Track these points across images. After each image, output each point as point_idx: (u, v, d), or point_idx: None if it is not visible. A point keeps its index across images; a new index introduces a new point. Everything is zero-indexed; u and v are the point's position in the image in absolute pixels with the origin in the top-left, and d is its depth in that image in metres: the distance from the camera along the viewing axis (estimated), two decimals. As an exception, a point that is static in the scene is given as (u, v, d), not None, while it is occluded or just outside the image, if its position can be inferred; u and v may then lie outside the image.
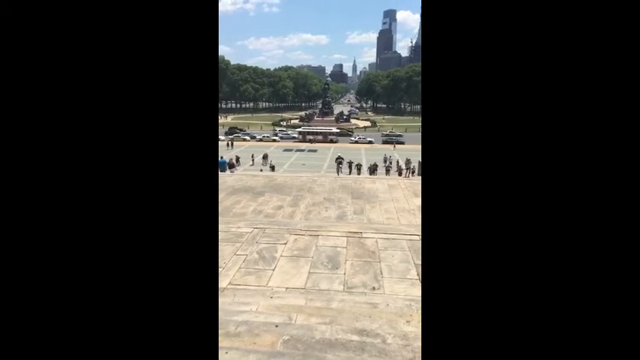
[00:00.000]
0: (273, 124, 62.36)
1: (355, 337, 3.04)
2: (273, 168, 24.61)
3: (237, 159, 25.69)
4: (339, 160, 19.09)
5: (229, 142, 39.85)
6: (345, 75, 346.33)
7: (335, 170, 22.72)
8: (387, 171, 22.79)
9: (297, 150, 38.58)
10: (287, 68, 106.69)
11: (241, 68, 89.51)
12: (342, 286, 4.62)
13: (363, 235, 6.25)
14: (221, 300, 4.11)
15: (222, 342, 2.94)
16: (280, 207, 9.78)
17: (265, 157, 29.28)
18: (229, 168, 19.24)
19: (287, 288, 4.59)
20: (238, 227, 6.72)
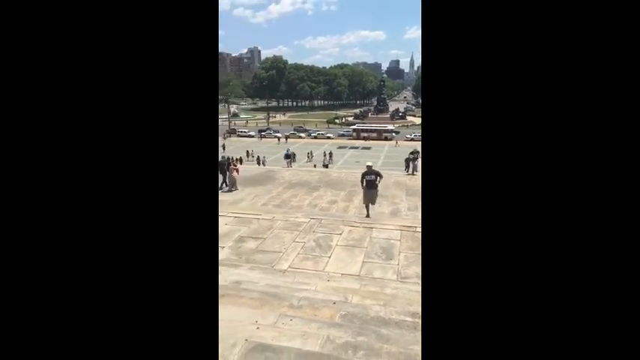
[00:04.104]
0: (328, 122, 63.17)
1: (408, 319, 3.23)
2: (326, 166, 25.15)
3: (294, 155, 26.81)
4: (413, 156, 13.26)
5: (285, 138, 41.60)
6: (402, 71, 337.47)
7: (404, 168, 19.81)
8: None
9: (351, 147, 38.71)
10: (342, 66, 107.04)
11: (298, 67, 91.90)
12: (395, 276, 4.79)
13: (417, 230, 6.32)
14: (282, 279, 4.52)
15: (287, 312, 3.32)
16: (334, 201, 10.11)
17: (330, 154, 29.91)
18: (285, 158, 20.59)
19: (342, 274, 4.87)
20: (296, 217, 7.15)
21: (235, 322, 3.10)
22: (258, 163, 24.89)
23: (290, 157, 22.51)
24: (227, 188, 11.32)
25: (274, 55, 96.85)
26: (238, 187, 11.29)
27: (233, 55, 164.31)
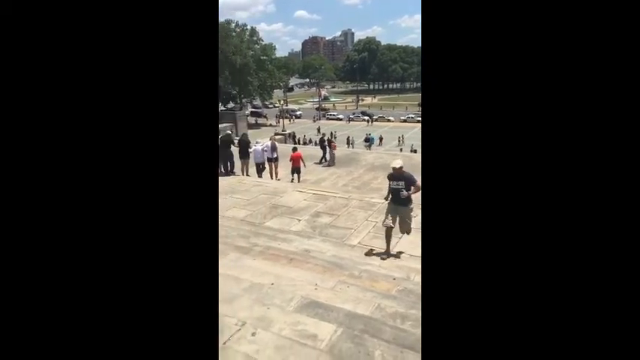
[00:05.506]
0: (419, 105, 60.35)
1: (468, 302, 3.14)
2: (415, 152, 24.40)
3: (380, 139, 26.64)
4: None
5: (371, 121, 41.43)
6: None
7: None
8: None
9: (444, 132, 36.43)
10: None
11: (391, 48, 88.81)
12: (467, 262, 4.59)
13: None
14: (350, 253, 4.72)
15: (346, 280, 3.52)
16: (416, 185, 9.89)
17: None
18: (365, 142, 21.41)
19: (411, 255, 4.85)
20: (372, 198, 7.24)
21: (296, 282, 3.43)
22: (348, 145, 25.49)
23: (369, 140, 22.85)
24: (326, 163, 12.55)
25: (367, 37, 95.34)
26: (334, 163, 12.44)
27: (327, 38, 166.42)
